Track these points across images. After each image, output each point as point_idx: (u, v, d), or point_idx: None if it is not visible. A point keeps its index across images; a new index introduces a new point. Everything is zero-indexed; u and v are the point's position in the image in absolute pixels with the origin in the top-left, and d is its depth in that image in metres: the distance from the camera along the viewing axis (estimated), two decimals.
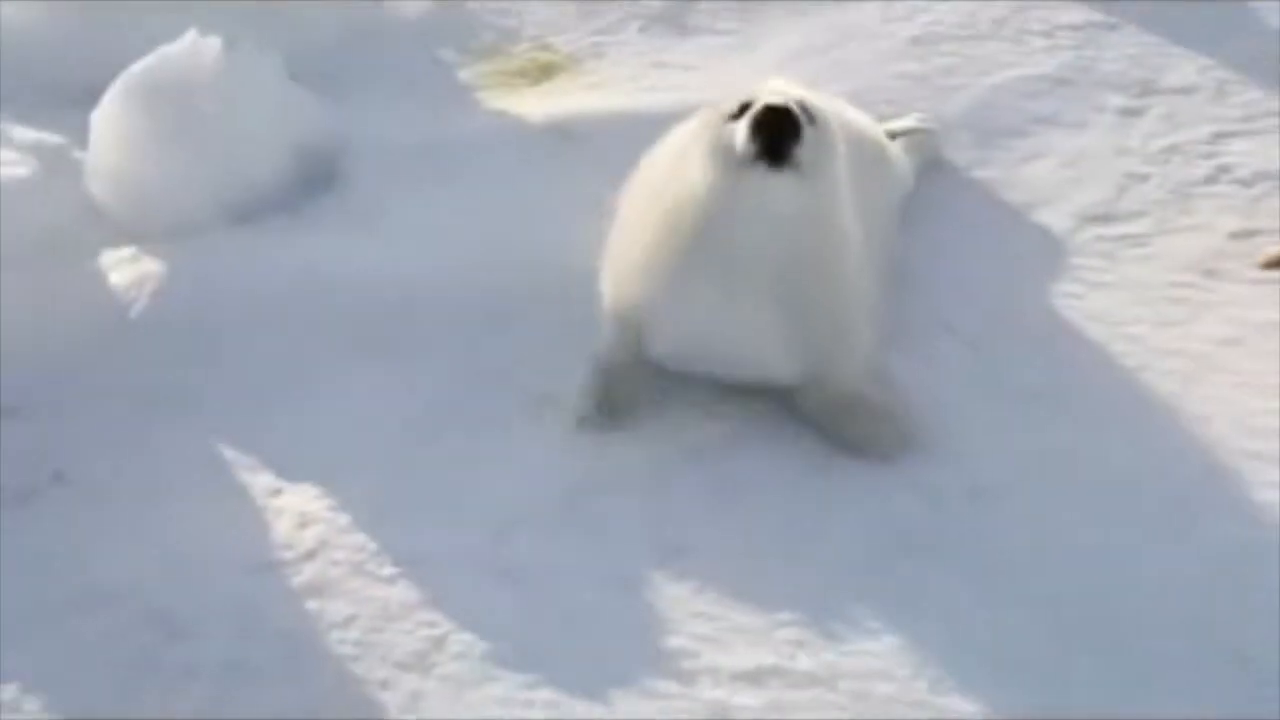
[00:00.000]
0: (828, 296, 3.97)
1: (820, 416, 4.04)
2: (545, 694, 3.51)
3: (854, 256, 4.04)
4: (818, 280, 3.94)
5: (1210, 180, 4.86)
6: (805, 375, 4.04)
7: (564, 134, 5.08)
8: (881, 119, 4.92)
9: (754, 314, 3.93)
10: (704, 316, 3.97)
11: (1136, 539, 3.79)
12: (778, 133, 3.74)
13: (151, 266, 4.60)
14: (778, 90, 3.95)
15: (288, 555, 3.82)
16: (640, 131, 4.63)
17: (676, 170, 3.99)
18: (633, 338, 4.10)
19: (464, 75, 5.45)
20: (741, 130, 3.78)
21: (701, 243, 3.91)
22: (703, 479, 3.96)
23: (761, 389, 4.08)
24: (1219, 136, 5.01)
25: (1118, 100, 5.17)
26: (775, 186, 3.81)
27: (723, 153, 3.83)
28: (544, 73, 5.44)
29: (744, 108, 3.82)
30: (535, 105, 5.23)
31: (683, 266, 3.94)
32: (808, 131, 3.79)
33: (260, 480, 4.02)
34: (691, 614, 3.66)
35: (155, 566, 3.80)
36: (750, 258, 3.89)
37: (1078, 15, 5.51)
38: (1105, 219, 4.73)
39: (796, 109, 3.79)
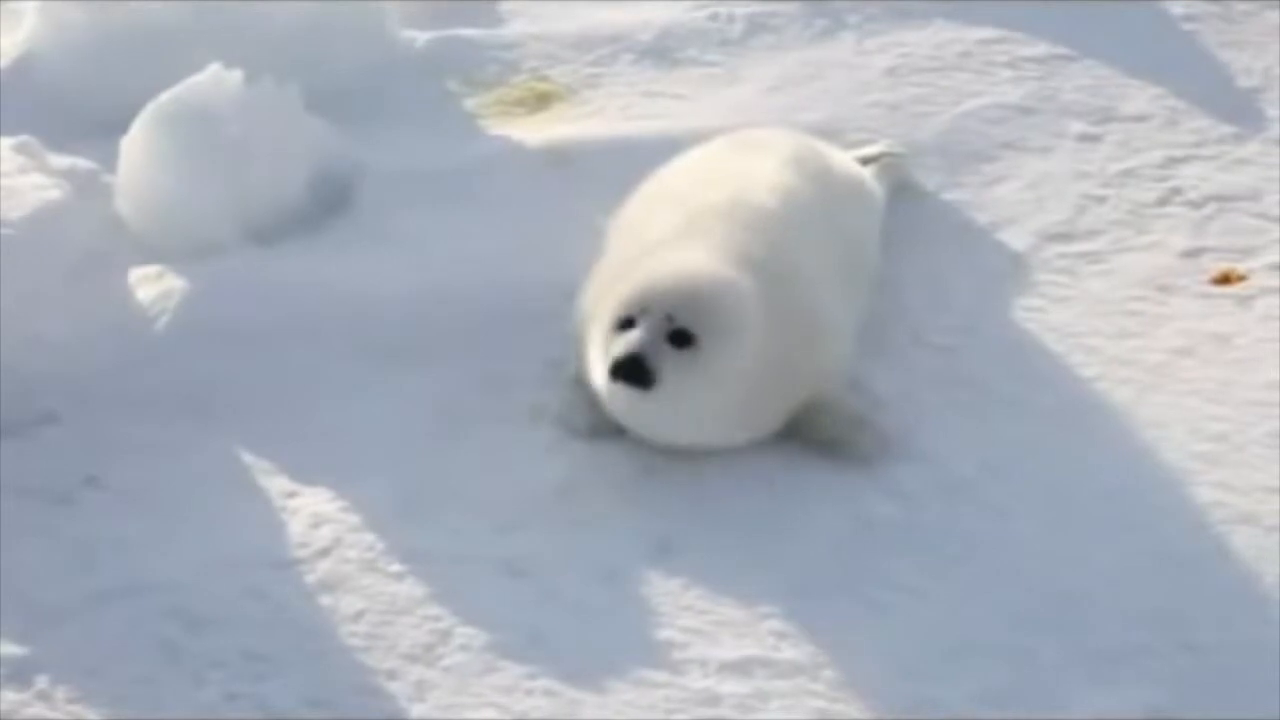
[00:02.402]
0: (793, 381, 3.95)
1: (801, 424, 4.00)
2: (544, 683, 3.49)
3: (820, 318, 4.02)
4: (743, 406, 3.92)
5: (1163, 202, 4.84)
6: None
7: (561, 159, 5.06)
8: (853, 145, 4.90)
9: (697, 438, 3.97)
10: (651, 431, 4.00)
11: (1095, 535, 3.78)
12: (631, 376, 3.77)
13: (177, 283, 4.57)
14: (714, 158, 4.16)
15: (303, 553, 3.79)
16: (632, 156, 4.62)
17: (624, 223, 4.10)
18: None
19: (468, 105, 5.43)
20: (600, 373, 3.85)
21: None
22: (689, 480, 3.94)
23: None
24: (1171, 161, 4.99)
25: (1078, 127, 5.15)
26: (637, 403, 3.84)
27: (601, 362, 3.86)
28: (542, 102, 5.42)
29: (627, 320, 3.80)
30: (534, 132, 5.21)
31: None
32: (666, 369, 3.76)
33: (277, 483, 4.00)
34: (681, 607, 3.64)
35: (179, 563, 3.78)
36: (654, 429, 3.94)
37: (1040, 48, 5.49)
38: (1066, 238, 4.71)
39: (654, 353, 3.76)
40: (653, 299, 3.82)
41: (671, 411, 3.87)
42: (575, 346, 4.12)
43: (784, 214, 4.10)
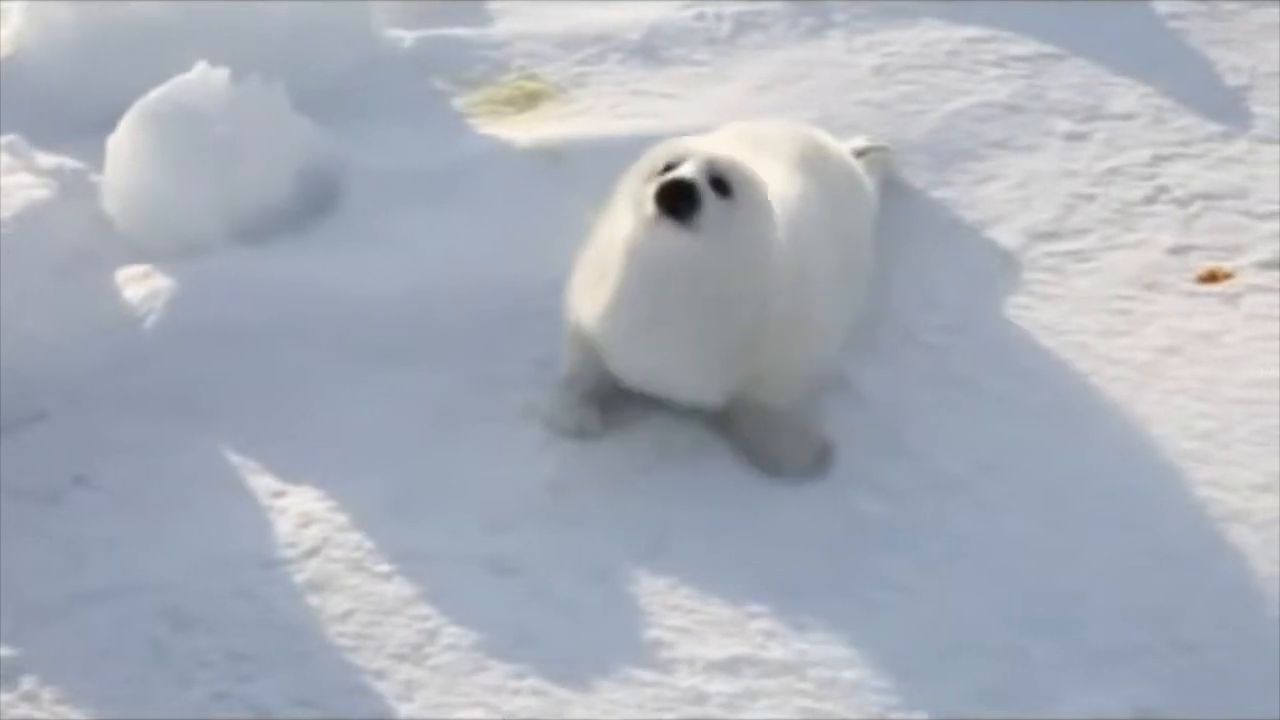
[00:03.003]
0: (745, 331, 3.93)
1: (739, 435, 3.99)
2: (532, 682, 3.48)
3: (788, 291, 3.99)
4: (732, 318, 3.91)
5: (1150, 200, 4.83)
6: (733, 398, 3.99)
7: (550, 157, 5.05)
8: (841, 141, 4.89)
9: (673, 346, 3.92)
10: (631, 347, 3.97)
11: (1085, 532, 3.77)
12: (676, 203, 3.75)
13: (164, 283, 4.55)
14: (722, 141, 4.03)
15: (290, 553, 3.78)
16: (620, 155, 4.57)
17: (611, 210, 4.01)
18: (593, 356, 4.06)
19: (456, 103, 5.41)
20: (648, 193, 3.81)
21: (624, 281, 3.91)
22: (678, 479, 3.93)
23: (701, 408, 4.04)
24: (1158, 159, 4.99)
25: (1065, 126, 5.15)
26: (674, 242, 3.81)
27: (637, 207, 3.86)
28: (530, 101, 5.41)
29: (668, 166, 3.83)
30: (523, 131, 5.20)
31: (611, 301, 3.95)
32: (709, 204, 3.77)
33: (265, 482, 3.98)
34: (669, 606, 3.63)
35: (167, 563, 3.76)
36: (663, 298, 3.89)
37: (1028, 47, 5.49)
38: (1053, 236, 4.70)
39: (702, 183, 3.77)
40: (692, 151, 3.85)
41: (692, 249, 3.80)
42: (566, 345, 4.10)
43: (789, 218, 4.07)
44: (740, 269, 3.89)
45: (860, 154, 4.78)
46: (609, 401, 4.08)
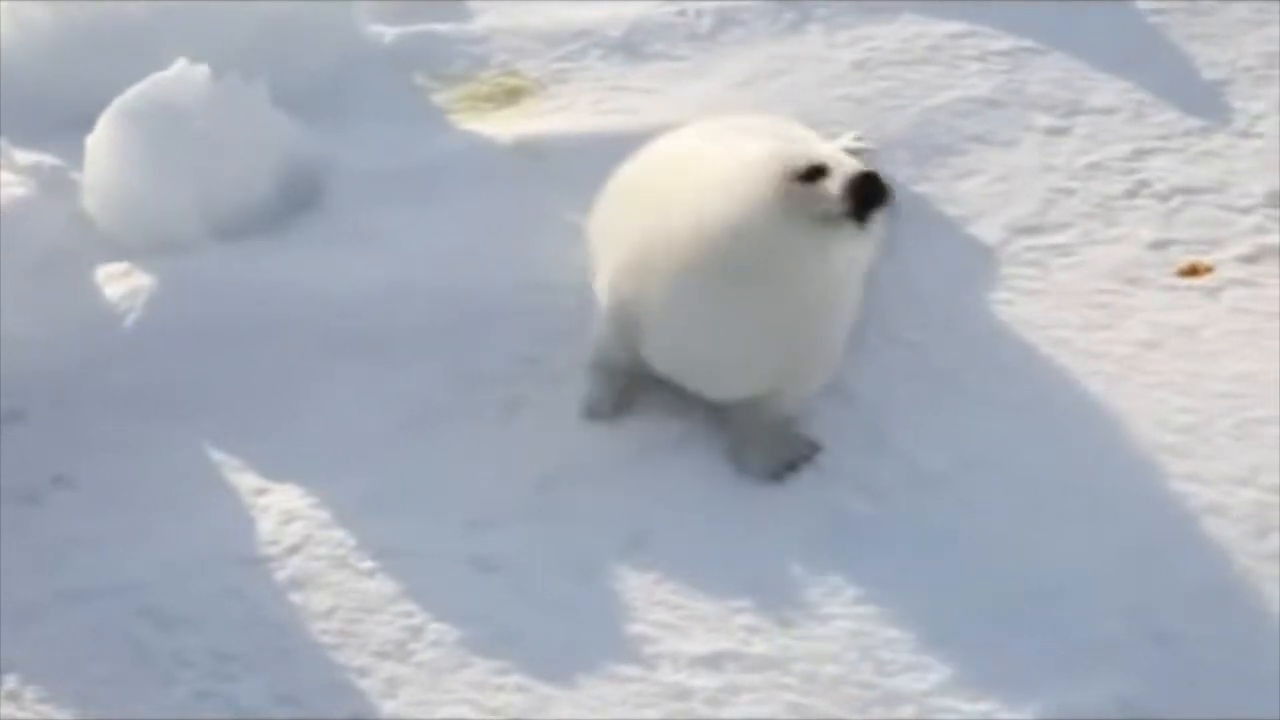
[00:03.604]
0: (829, 338, 4.00)
1: (730, 426, 4.00)
2: (516, 678, 3.48)
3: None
4: (806, 324, 3.95)
5: (1130, 194, 4.85)
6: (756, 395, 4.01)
7: (530, 153, 5.05)
8: (823, 138, 4.89)
9: (746, 342, 3.91)
10: (702, 334, 3.93)
11: (1065, 526, 3.79)
12: (871, 198, 3.73)
13: (144, 280, 4.54)
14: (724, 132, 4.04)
15: (273, 550, 3.78)
16: (602, 151, 4.59)
17: (712, 197, 3.88)
18: (630, 335, 4.03)
19: (437, 100, 5.40)
20: (836, 190, 3.73)
21: (746, 278, 3.84)
22: (660, 475, 3.94)
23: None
24: (1138, 154, 5.00)
25: (1045, 120, 5.16)
26: (854, 243, 3.82)
27: (803, 209, 3.76)
28: (511, 97, 5.40)
29: (816, 170, 3.77)
30: (504, 127, 5.19)
31: (713, 292, 3.87)
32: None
33: (247, 480, 3.98)
34: (652, 602, 3.64)
35: (148, 562, 3.76)
36: (792, 299, 3.87)
37: (1008, 42, 5.50)
38: (1034, 230, 4.71)
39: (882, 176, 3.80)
40: (826, 153, 3.87)
41: (858, 249, 3.88)
42: (599, 324, 4.08)
43: None
44: (840, 280, 3.94)
45: (853, 154, 4.79)
46: (634, 386, 4.08)
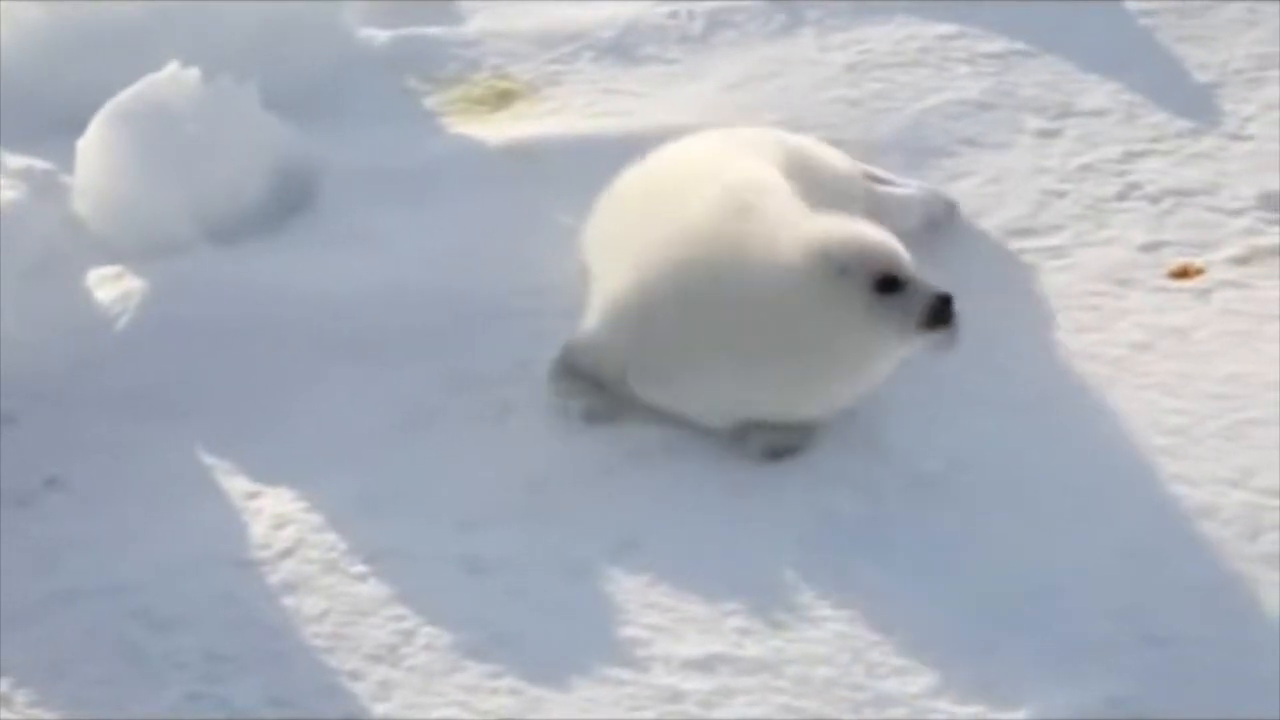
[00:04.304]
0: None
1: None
2: (508, 682, 3.48)
3: None
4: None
5: (1122, 196, 4.86)
6: None
7: (523, 156, 5.05)
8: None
9: (778, 402, 3.99)
10: (733, 398, 3.98)
11: (1057, 527, 3.79)
12: (942, 319, 3.85)
13: (136, 283, 4.54)
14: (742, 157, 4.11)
15: (265, 554, 3.77)
16: (595, 154, 4.61)
17: (771, 275, 3.89)
18: (618, 373, 4.04)
19: (429, 103, 5.41)
20: (915, 317, 3.83)
21: (792, 357, 3.90)
22: (653, 477, 3.94)
23: None
24: (1129, 156, 5.01)
25: (1036, 123, 5.17)
26: (909, 345, 3.91)
27: (879, 323, 3.84)
28: (503, 100, 5.41)
29: (890, 280, 3.82)
30: (496, 130, 5.19)
31: (754, 367, 3.92)
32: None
33: (239, 483, 3.97)
34: (644, 605, 3.63)
35: (139, 565, 3.76)
36: (835, 375, 3.96)
37: (999, 44, 5.51)
38: (1026, 233, 4.72)
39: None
40: (902, 254, 3.90)
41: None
42: (599, 337, 4.04)
43: None
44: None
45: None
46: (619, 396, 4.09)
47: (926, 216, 4.63)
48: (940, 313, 3.83)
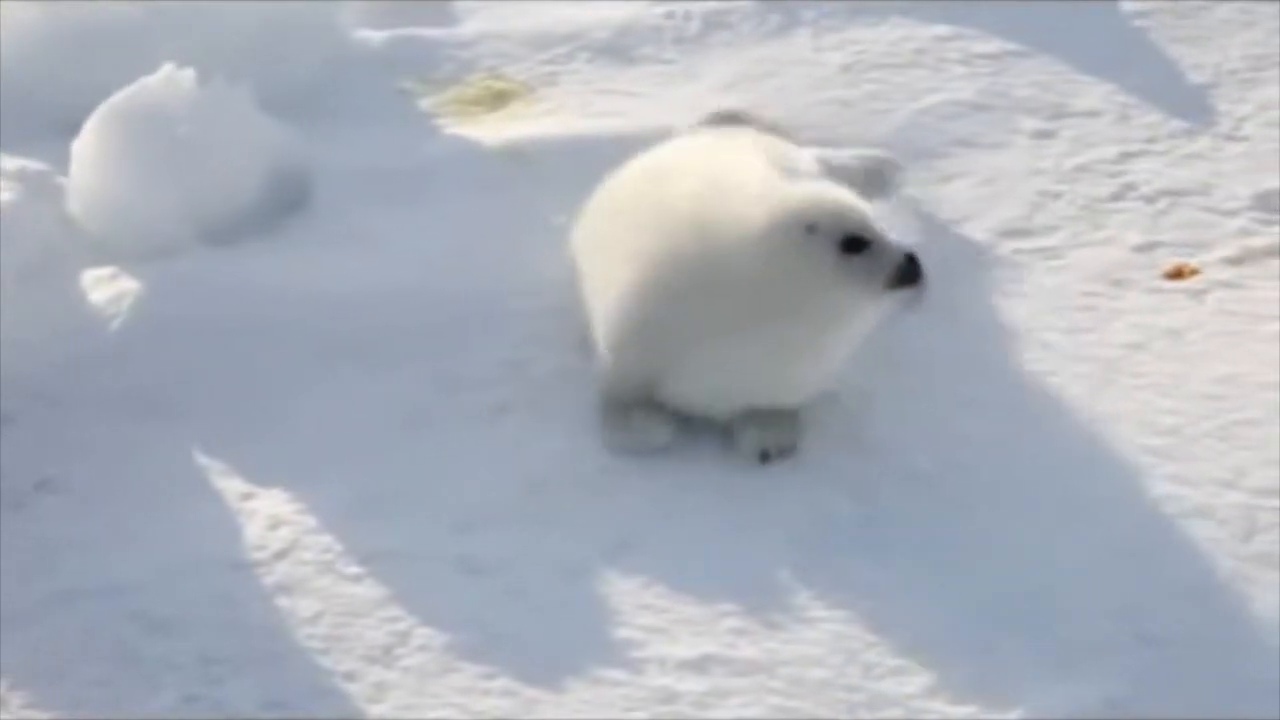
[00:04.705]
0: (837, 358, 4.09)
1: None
2: (503, 683, 3.48)
3: None
4: (840, 351, 4.06)
5: (1116, 197, 4.86)
6: None
7: (518, 157, 5.05)
8: (813, 143, 4.88)
9: (781, 380, 4.01)
10: (727, 379, 4.00)
11: (1051, 528, 3.79)
12: (909, 278, 3.86)
13: (131, 285, 4.53)
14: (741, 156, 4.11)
15: (260, 555, 3.77)
16: (590, 154, 4.60)
17: (746, 247, 3.91)
18: (643, 384, 4.03)
19: (424, 103, 5.41)
20: (890, 271, 3.84)
21: (772, 324, 3.92)
22: (647, 478, 3.93)
23: None
24: (1124, 156, 5.02)
25: (1031, 123, 5.18)
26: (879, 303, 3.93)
27: (845, 281, 3.86)
28: (499, 100, 5.41)
29: (857, 240, 3.84)
30: (491, 131, 5.20)
31: (741, 337, 3.93)
32: None
33: (234, 485, 3.97)
34: (639, 606, 3.63)
35: (135, 567, 3.75)
36: (819, 341, 3.98)
37: (994, 45, 5.52)
38: (1021, 233, 4.73)
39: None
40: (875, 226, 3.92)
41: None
42: (614, 371, 4.04)
43: None
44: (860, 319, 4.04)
45: (871, 171, 4.77)
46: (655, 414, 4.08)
47: (867, 176, 4.67)
48: (907, 272, 3.84)
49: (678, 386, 4.01)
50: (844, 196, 3.94)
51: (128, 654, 3.57)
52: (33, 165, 4.81)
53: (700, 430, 4.04)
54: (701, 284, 3.93)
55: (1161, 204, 4.82)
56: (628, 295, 4.00)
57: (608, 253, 4.13)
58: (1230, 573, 3.66)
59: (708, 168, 4.18)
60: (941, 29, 5.58)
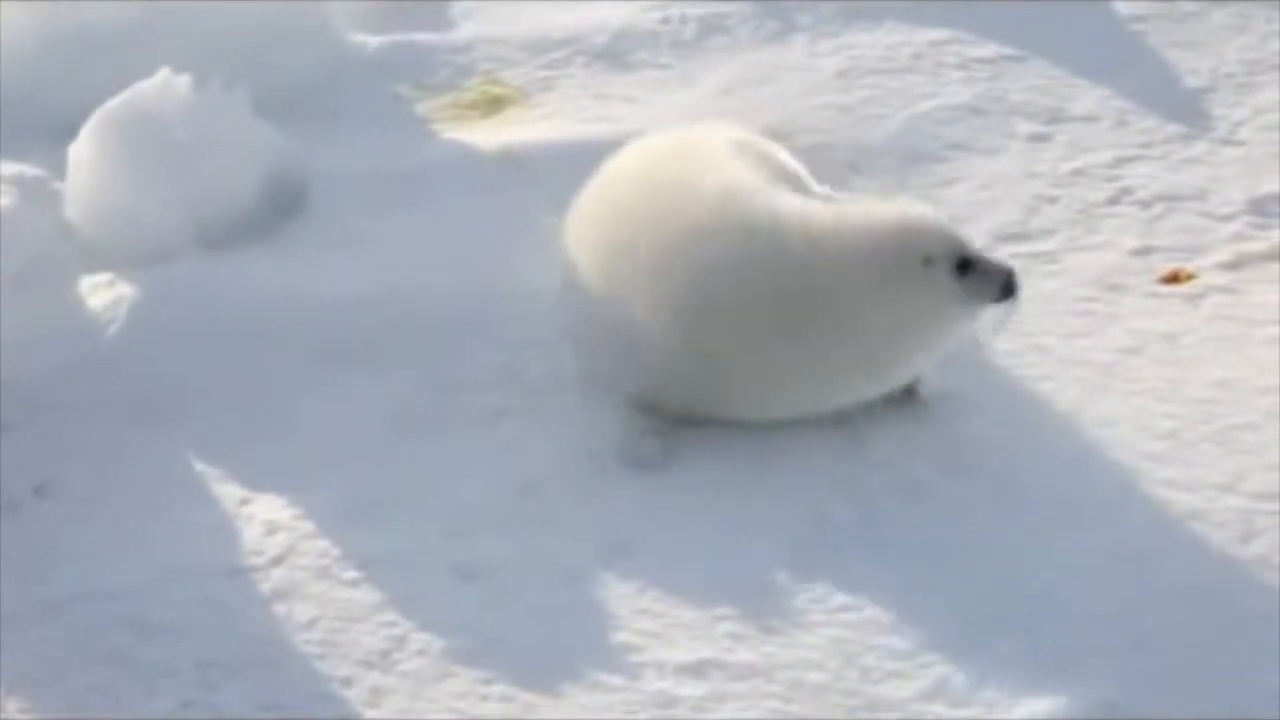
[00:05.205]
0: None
1: None
2: (500, 688, 3.48)
3: None
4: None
5: (1112, 201, 4.87)
6: None
7: (515, 161, 5.06)
8: (807, 148, 4.88)
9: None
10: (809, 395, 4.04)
11: (1048, 532, 3.79)
12: (1010, 292, 3.94)
13: (128, 290, 4.54)
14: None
15: (256, 561, 3.77)
16: (586, 158, 4.60)
17: (854, 267, 3.92)
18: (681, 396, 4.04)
19: (421, 109, 5.41)
20: (994, 289, 3.91)
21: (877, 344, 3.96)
22: (644, 484, 3.93)
23: None
24: (1120, 161, 5.02)
25: (1027, 128, 5.18)
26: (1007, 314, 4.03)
27: (957, 301, 3.92)
28: (495, 105, 5.41)
29: (967, 262, 3.89)
30: (488, 135, 5.20)
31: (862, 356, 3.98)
32: None
33: (230, 490, 3.97)
34: (636, 610, 3.63)
35: (131, 572, 3.75)
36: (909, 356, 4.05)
37: (990, 49, 5.52)
38: (1017, 238, 4.73)
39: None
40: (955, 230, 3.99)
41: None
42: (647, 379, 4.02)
43: None
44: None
45: None
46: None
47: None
48: (1009, 285, 3.92)
49: (741, 403, 4.02)
50: (938, 217, 4.00)
51: (124, 659, 3.57)
52: (29, 170, 4.81)
53: (696, 433, 4.04)
54: (779, 298, 3.91)
55: (1157, 209, 4.82)
56: (682, 302, 3.96)
57: (620, 260, 4.06)
58: (1225, 577, 3.66)
59: (720, 174, 4.13)
60: (938, 33, 5.58)
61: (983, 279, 3.91)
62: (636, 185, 4.24)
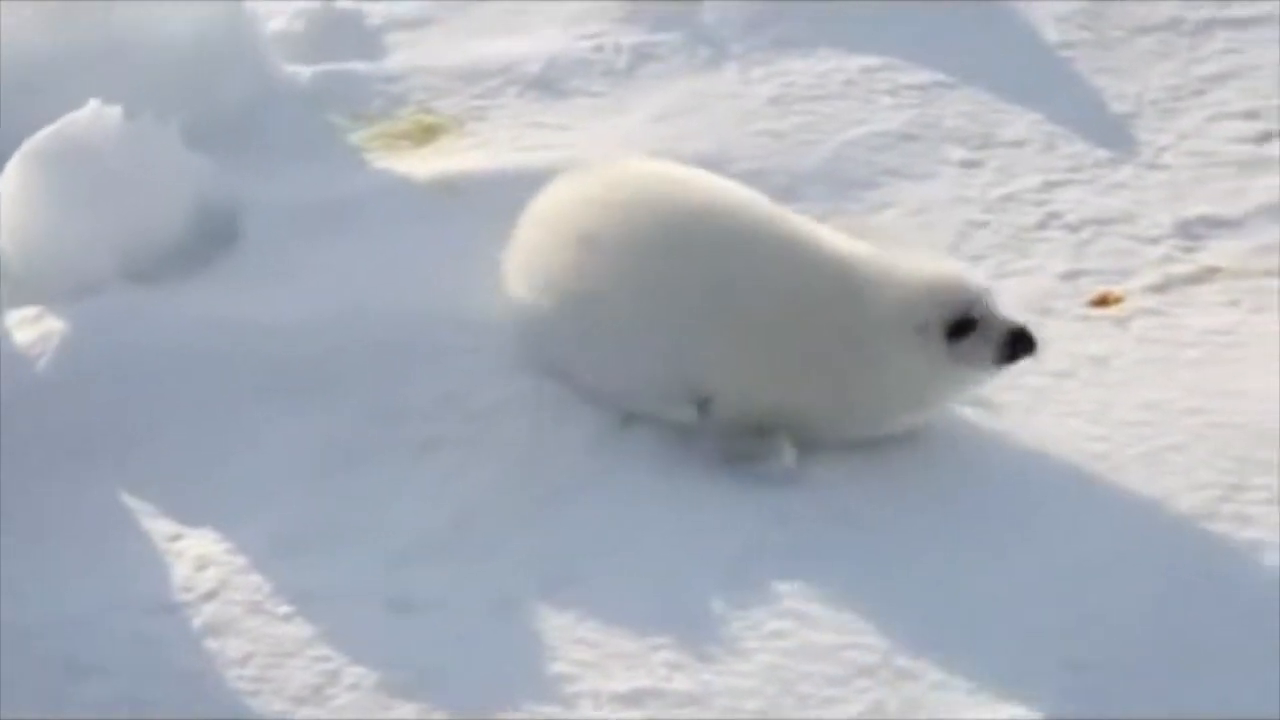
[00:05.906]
0: None
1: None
2: None
3: None
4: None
5: (1042, 226, 4.91)
6: None
7: (449, 190, 5.04)
8: (740, 176, 4.88)
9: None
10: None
11: (980, 557, 3.80)
12: (1022, 351, 3.93)
13: (57, 324, 4.47)
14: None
15: (187, 597, 3.73)
16: (520, 185, 4.60)
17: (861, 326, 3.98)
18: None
19: (353, 138, 5.39)
20: (999, 347, 3.91)
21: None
22: (579, 512, 3.92)
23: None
24: (1049, 185, 5.07)
25: (958, 153, 5.22)
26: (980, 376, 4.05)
27: (957, 364, 3.95)
28: (428, 134, 5.40)
29: (967, 322, 3.90)
30: (421, 164, 5.19)
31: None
32: None
33: (161, 525, 3.93)
34: (573, 640, 3.62)
35: (60, 610, 3.70)
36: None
37: (921, 76, 5.57)
38: None
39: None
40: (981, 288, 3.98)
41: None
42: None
43: None
44: None
45: None
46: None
47: None
48: (1017, 346, 3.90)
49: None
50: (945, 275, 3.99)
51: (56, 698, 3.51)
52: None
53: (631, 464, 4.03)
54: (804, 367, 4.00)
55: (1085, 233, 4.87)
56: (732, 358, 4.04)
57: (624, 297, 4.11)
58: (1158, 596, 3.68)
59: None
60: (869, 60, 5.62)
61: (983, 337, 3.90)
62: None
